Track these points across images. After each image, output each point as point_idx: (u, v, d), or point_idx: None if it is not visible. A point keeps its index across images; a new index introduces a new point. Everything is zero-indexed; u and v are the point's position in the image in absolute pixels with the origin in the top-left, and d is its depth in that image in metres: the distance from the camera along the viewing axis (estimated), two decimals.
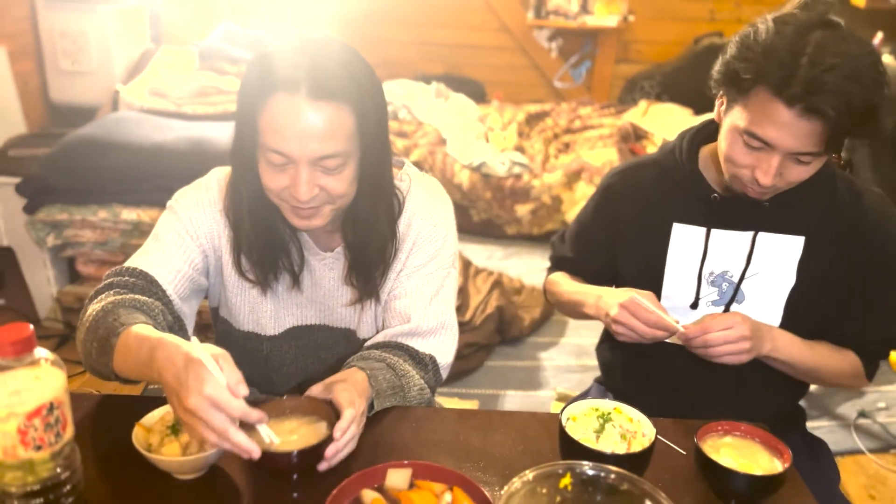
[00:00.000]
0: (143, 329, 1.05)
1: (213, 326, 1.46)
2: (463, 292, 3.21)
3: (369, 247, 1.26)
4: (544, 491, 0.93)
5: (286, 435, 1.05)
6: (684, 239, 1.39)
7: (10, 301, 3.09)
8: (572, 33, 5.23)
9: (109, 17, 3.54)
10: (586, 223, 1.55)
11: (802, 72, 1.10)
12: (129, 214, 2.77)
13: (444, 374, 1.31)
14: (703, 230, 1.37)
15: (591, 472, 0.94)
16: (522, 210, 4.06)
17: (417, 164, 3.96)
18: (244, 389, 0.93)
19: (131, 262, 1.24)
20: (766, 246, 1.35)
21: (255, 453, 0.93)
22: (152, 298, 1.19)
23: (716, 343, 1.23)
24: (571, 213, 3.99)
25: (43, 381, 0.89)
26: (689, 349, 1.29)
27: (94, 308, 1.14)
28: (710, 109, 1.33)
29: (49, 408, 0.88)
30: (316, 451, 1.01)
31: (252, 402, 0.95)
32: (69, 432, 0.93)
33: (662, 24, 5.15)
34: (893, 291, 1.36)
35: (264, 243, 1.25)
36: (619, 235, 1.47)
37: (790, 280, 1.35)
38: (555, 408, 2.64)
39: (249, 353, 1.37)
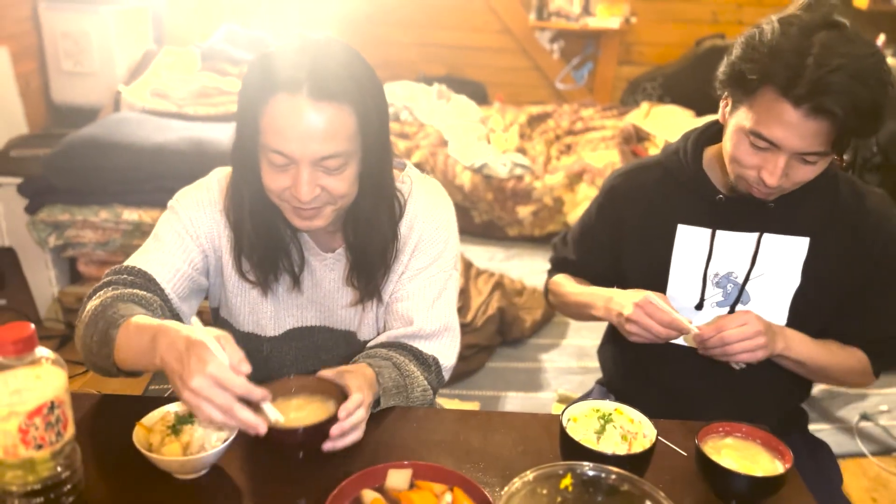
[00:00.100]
0: (143, 319, 1.06)
1: (214, 327, 1.46)
2: (464, 294, 3.20)
3: (371, 247, 1.26)
4: (545, 492, 0.93)
5: (293, 412, 1.07)
6: (689, 240, 1.39)
7: (11, 301, 3.09)
8: (574, 35, 5.23)
9: (111, 18, 3.55)
10: (589, 225, 1.55)
11: (809, 72, 1.10)
12: (131, 215, 2.78)
13: (447, 375, 1.31)
14: (709, 231, 1.37)
15: (591, 473, 0.94)
16: (524, 211, 4.06)
17: (419, 166, 3.96)
18: (247, 367, 0.94)
19: (130, 261, 1.25)
20: (772, 247, 1.35)
21: (262, 428, 0.94)
22: (151, 293, 1.20)
23: (732, 340, 1.22)
24: (573, 214, 3.99)
25: (44, 380, 0.89)
26: (701, 351, 1.28)
27: (92, 304, 1.15)
28: (712, 111, 1.33)
29: (50, 407, 0.88)
30: (322, 429, 1.02)
31: (259, 381, 0.97)
32: (70, 431, 0.93)
33: (664, 26, 5.15)
34: None
35: (265, 244, 1.25)
36: (623, 237, 1.47)
37: (795, 281, 1.35)
38: (556, 409, 2.64)
39: (249, 353, 1.35)
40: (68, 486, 0.93)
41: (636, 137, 4.44)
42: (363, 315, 1.35)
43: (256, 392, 0.95)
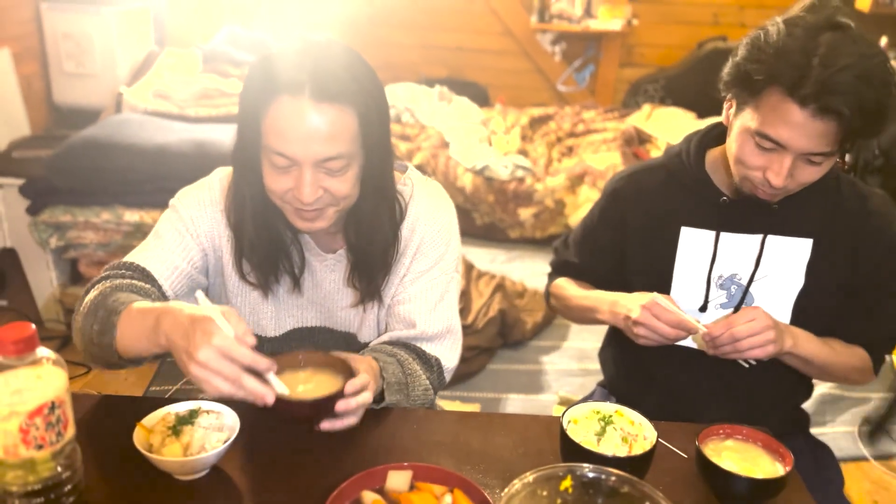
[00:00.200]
0: (144, 303, 1.08)
1: None
2: (465, 296, 3.20)
3: (372, 248, 1.26)
4: (545, 493, 0.93)
5: (301, 385, 1.08)
6: (693, 242, 1.39)
7: (12, 302, 3.09)
8: (576, 37, 5.23)
9: (113, 19, 3.55)
10: (592, 228, 1.55)
11: (815, 72, 1.10)
12: (132, 216, 2.78)
13: (448, 377, 1.32)
14: (713, 234, 1.37)
15: (591, 475, 0.94)
16: (525, 214, 4.06)
17: (420, 168, 3.97)
18: (252, 339, 0.95)
19: (129, 258, 1.26)
20: (775, 249, 1.35)
21: (269, 398, 0.95)
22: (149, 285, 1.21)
23: (742, 335, 1.22)
24: (574, 216, 3.99)
25: (44, 380, 0.89)
26: (711, 350, 1.27)
27: (91, 295, 1.16)
28: (714, 113, 1.32)
29: (50, 407, 0.88)
30: (330, 402, 1.03)
31: (269, 355, 0.98)
32: (70, 432, 0.93)
33: (666, 28, 5.15)
34: None
35: (266, 246, 1.26)
36: (626, 239, 1.47)
37: (799, 282, 1.35)
38: (556, 412, 2.63)
39: None
40: (69, 487, 0.93)
41: (638, 140, 4.44)
42: (364, 316, 1.35)
43: (262, 362, 0.96)
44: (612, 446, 1.05)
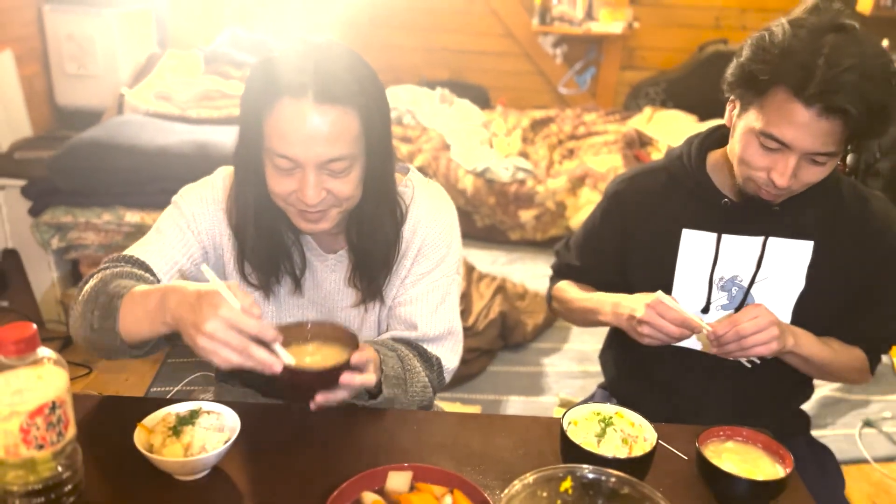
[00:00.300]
0: (146, 286, 1.09)
1: None
2: (466, 297, 3.20)
3: (373, 248, 1.26)
4: (545, 494, 0.93)
5: (308, 356, 1.10)
6: (695, 244, 1.39)
7: (13, 303, 3.09)
8: (577, 40, 5.23)
9: (115, 21, 3.56)
10: (593, 230, 1.55)
11: (820, 72, 1.11)
12: (133, 217, 2.78)
13: (448, 377, 1.32)
14: (714, 235, 1.37)
15: (591, 476, 0.94)
16: (526, 216, 4.06)
17: (421, 169, 3.96)
18: (258, 310, 0.97)
19: (129, 251, 1.26)
20: (777, 251, 1.35)
21: (277, 367, 0.97)
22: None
23: (747, 332, 1.21)
24: (576, 219, 3.98)
25: (45, 380, 0.89)
26: (715, 350, 1.27)
27: (91, 283, 1.16)
28: (715, 116, 1.33)
29: (51, 407, 0.88)
30: (336, 372, 1.04)
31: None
32: (71, 432, 0.93)
33: (667, 31, 5.15)
34: None
35: (268, 248, 1.26)
36: (628, 242, 1.47)
37: (800, 284, 1.35)
38: (557, 413, 2.63)
39: None
40: (69, 487, 0.94)
41: (639, 142, 4.45)
42: (364, 317, 1.35)
43: (269, 332, 0.97)
44: (612, 448, 1.05)
